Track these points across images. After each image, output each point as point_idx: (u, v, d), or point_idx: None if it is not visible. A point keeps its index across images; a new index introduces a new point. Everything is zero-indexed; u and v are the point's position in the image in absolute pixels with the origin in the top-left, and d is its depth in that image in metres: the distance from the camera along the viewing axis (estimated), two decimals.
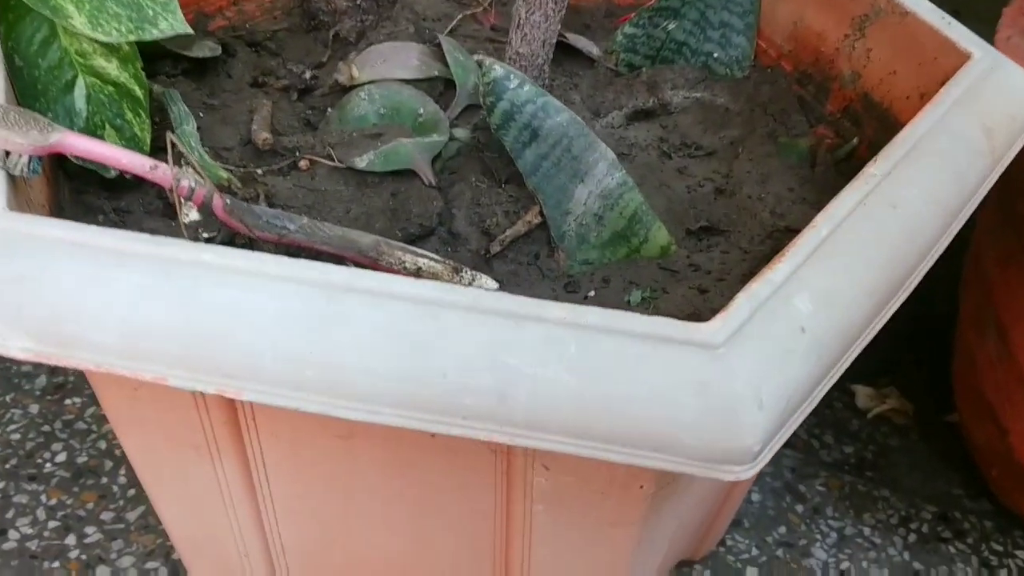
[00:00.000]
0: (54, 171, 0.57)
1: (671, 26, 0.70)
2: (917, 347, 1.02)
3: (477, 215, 0.58)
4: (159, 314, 0.39)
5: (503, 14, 0.76)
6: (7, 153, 0.44)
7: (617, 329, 0.38)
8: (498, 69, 0.54)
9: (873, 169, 0.46)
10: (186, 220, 0.51)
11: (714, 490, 0.62)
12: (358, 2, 0.74)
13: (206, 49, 0.68)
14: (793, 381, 0.38)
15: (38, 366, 1.02)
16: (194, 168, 0.48)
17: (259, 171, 0.59)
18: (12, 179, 0.45)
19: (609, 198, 0.57)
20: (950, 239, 0.48)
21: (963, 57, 0.54)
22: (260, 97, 0.66)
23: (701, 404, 0.37)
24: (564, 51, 0.72)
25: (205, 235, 0.50)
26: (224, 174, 0.55)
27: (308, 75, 0.69)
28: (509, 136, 0.56)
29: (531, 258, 0.57)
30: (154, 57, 0.66)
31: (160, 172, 0.46)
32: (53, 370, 1.01)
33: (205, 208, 0.47)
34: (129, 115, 0.54)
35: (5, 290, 0.40)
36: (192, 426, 0.50)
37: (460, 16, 0.73)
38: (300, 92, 0.68)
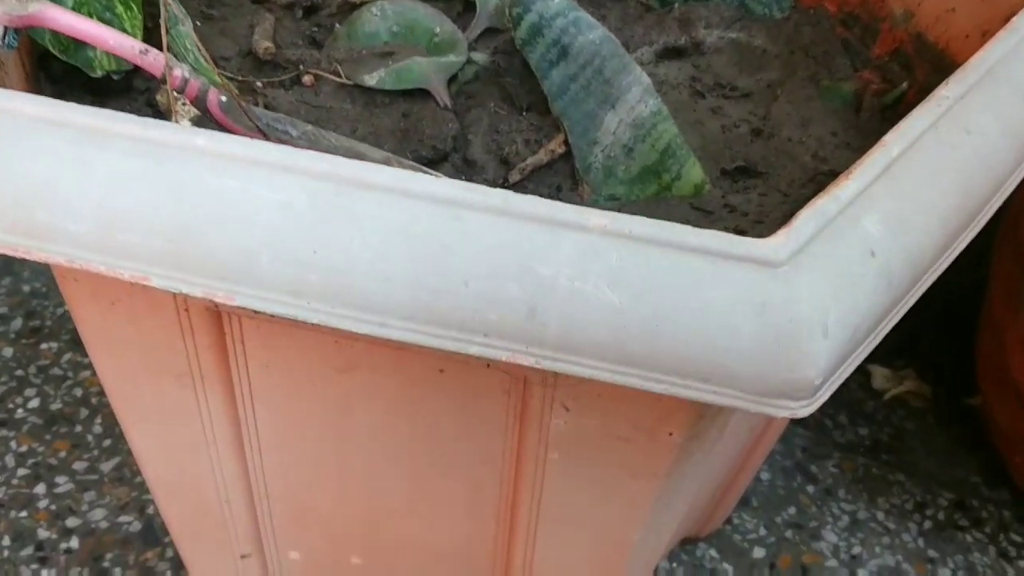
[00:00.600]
0: (35, 73, 0.52)
1: None
2: (938, 326, 0.98)
3: (495, 142, 0.53)
4: (143, 203, 0.34)
5: None
6: None
7: (666, 241, 0.33)
8: None
9: (945, 92, 0.41)
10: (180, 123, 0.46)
11: (739, 448, 0.57)
12: None
13: None
14: (861, 309, 0.34)
15: (14, 308, 0.97)
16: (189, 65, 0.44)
17: (259, 83, 0.54)
18: None
19: (641, 128, 0.52)
20: (1021, 176, 0.43)
21: None
22: (262, 12, 0.61)
23: (760, 328, 0.32)
24: None
25: None
26: (220, 80, 0.50)
27: None
28: (535, 54, 0.51)
29: (552, 191, 0.53)
30: None
31: (151, 58, 0.41)
32: (29, 313, 0.96)
33: (200, 103, 0.42)
34: (120, 8, 0.49)
35: None
36: (174, 349, 0.45)
37: None
38: (305, 10, 0.63)
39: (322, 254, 0.33)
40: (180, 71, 0.41)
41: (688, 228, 0.34)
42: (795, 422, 0.89)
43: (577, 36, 0.50)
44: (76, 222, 0.34)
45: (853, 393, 0.93)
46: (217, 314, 0.44)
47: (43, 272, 1.00)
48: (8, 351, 0.92)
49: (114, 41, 0.40)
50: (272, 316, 0.41)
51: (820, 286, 0.33)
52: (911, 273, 0.36)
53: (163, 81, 0.41)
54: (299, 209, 0.34)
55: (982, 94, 0.42)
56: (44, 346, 0.93)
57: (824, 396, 0.34)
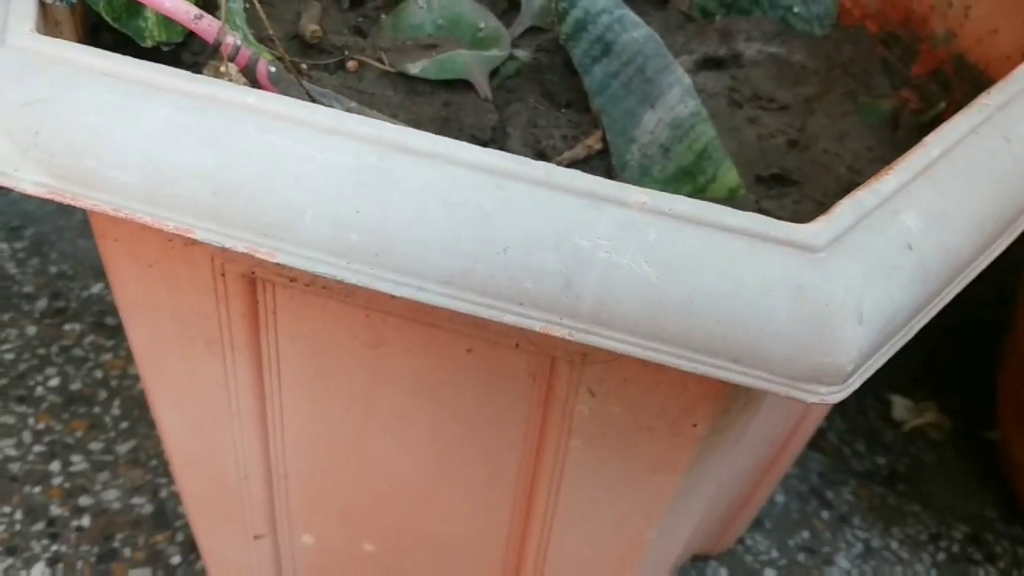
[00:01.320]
0: (86, 41, 0.53)
1: None
2: (960, 359, 0.97)
3: (533, 136, 0.54)
4: (190, 156, 0.35)
5: None
6: None
7: (705, 220, 0.34)
8: None
9: (987, 100, 0.42)
10: None
11: (757, 457, 0.57)
12: None
13: None
14: (896, 300, 0.34)
15: (40, 288, 0.97)
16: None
17: (304, 64, 0.55)
18: (44, 7, 0.41)
19: (679, 128, 0.52)
20: None
21: None
22: (309, 0, 0.62)
23: (795, 310, 0.32)
24: None
25: None
26: (269, 57, 0.51)
27: None
28: (579, 49, 0.51)
29: None
30: None
31: (205, 23, 0.42)
32: (55, 293, 0.97)
33: (249, 73, 0.43)
34: None
35: (22, 114, 0.35)
36: (207, 315, 0.46)
37: None
38: (352, 1, 0.64)
39: (364, 215, 0.34)
40: (233, 39, 0.42)
41: (728, 209, 0.34)
42: (812, 447, 0.89)
43: (621, 33, 0.51)
44: (124, 171, 0.35)
45: (872, 422, 0.92)
46: (252, 281, 0.44)
47: (70, 255, 1.01)
48: (32, 329, 0.93)
49: (170, 3, 0.40)
50: (307, 285, 0.42)
51: (857, 274, 0.33)
52: (947, 270, 0.36)
53: (216, 46, 0.42)
54: (343, 170, 0.34)
55: (1023, 105, 0.42)
56: (68, 327, 0.94)
57: (855, 384, 0.34)
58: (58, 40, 0.37)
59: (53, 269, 1.00)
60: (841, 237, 0.34)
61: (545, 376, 0.44)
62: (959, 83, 0.57)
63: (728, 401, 0.42)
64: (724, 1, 0.67)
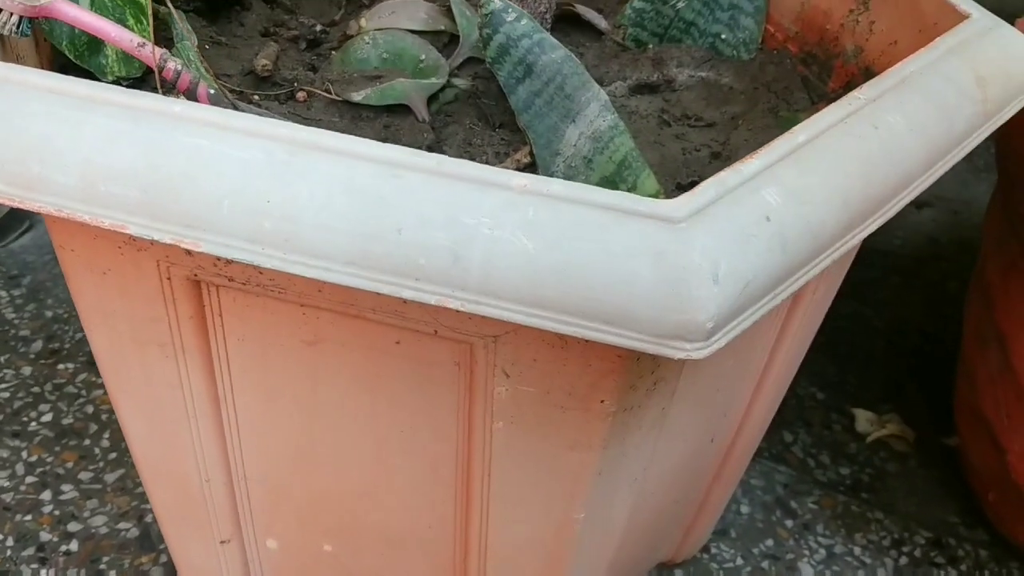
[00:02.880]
0: None
1: (680, 4, 0.70)
2: (922, 372, 1.00)
3: (467, 153, 0.58)
4: (123, 158, 0.39)
5: None
6: None
7: (579, 199, 0.38)
8: (496, 2, 0.55)
9: (858, 93, 0.46)
10: None
11: (691, 448, 0.60)
12: None
13: None
14: (753, 265, 0.37)
15: (36, 331, 1.02)
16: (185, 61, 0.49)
17: (255, 95, 0.59)
18: (3, 45, 0.46)
19: (600, 140, 0.56)
20: (935, 177, 0.47)
21: (961, 18, 0.54)
22: (268, 42, 0.67)
23: (656, 274, 0.36)
24: (572, 22, 0.72)
25: None
26: (216, 85, 0.56)
27: (319, 28, 0.70)
28: (503, 71, 0.56)
29: None
30: None
31: (147, 50, 0.46)
32: (50, 336, 1.01)
33: (191, 95, 0.47)
34: (131, 21, 0.55)
35: None
36: (158, 319, 0.50)
37: None
38: (309, 43, 0.69)
39: (274, 204, 0.38)
40: (174, 64, 0.47)
41: (599, 189, 0.38)
42: (777, 460, 0.91)
43: (541, 55, 0.55)
44: (65, 175, 0.39)
45: (836, 435, 0.95)
46: (197, 284, 0.48)
47: (65, 300, 1.06)
48: (27, 369, 0.98)
49: (115, 34, 0.45)
50: (244, 284, 0.46)
51: (713, 240, 0.37)
52: (809, 241, 0.40)
53: (158, 71, 0.46)
54: (257, 165, 0.38)
55: (894, 97, 0.46)
56: (61, 366, 0.98)
57: (720, 342, 0.37)
58: (10, 64, 0.42)
59: (49, 314, 1.04)
60: (701, 211, 0.38)
61: (467, 363, 0.47)
62: None
63: (632, 376, 0.45)
64: (656, 31, 0.71)
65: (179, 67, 0.47)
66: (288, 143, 0.39)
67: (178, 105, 0.40)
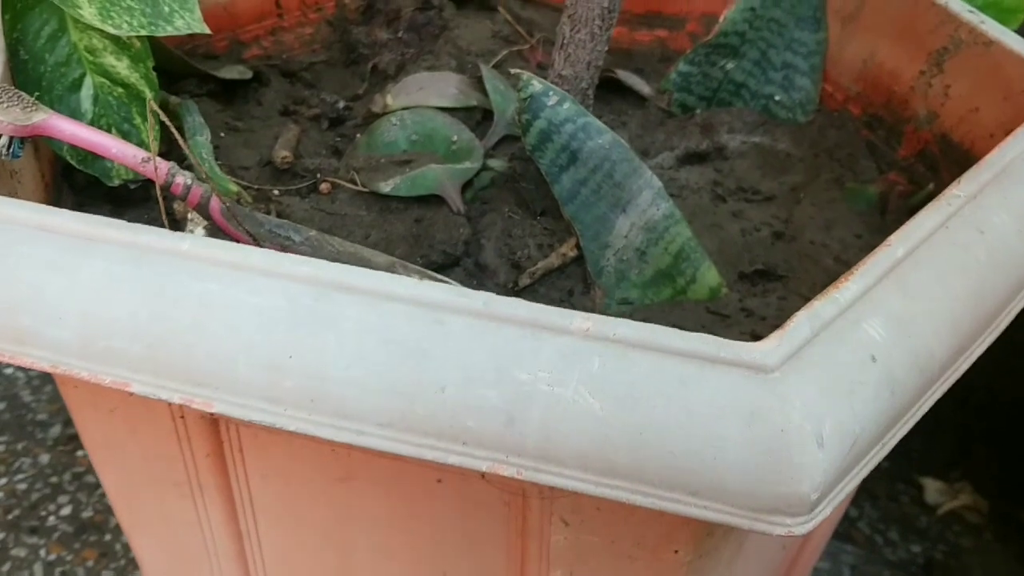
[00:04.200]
0: (57, 183, 0.53)
1: (729, 65, 0.65)
2: (991, 435, 0.93)
3: (507, 246, 0.53)
4: (125, 308, 0.34)
5: (550, 53, 0.72)
6: None
7: (652, 345, 0.32)
8: (536, 84, 0.50)
9: (956, 190, 0.40)
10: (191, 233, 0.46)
11: (768, 568, 0.54)
12: (399, 35, 0.70)
13: (235, 72, 0.64)
14: (861, 418, 0.32)
15: (53, 415, 0.98)
16: (196, 172, 0.44)
17: (275, 191, 0.54)
18: None
19: (653, 231, 0.51)
20: None
21: None
22: (288, 123, 0.63)
23: (749, 438, 0.31)
24: (613, 89, 0.67)
25: None
26: (234, 187, 0.51)
27: (341, 105, 0.65)
28: (545, 158, 0.51)
29: (564, 294, 0.52)
30: (179, 76, 0.62)
31: (152, 166, 0.41)
32: (68, 420, 0.97)
33: (202, 210, 0.43)
34: (138, 119, 0.50)
35: None
36: (172, 458, 0.45)
37: (505, 52, 0.69)
38: (331, 121, 0.64)
39: (297, 359, 0.33)
40: (183, 179, 0.42)
41: (674, 331, 0.32)
42: (843, 539, 0.85)
43: (586, 141, 0.50)
44: (60, 327, 0.34)
45: (905, 508, 0.88)
46: (214, 422, 0.43)
47: None
48: (45, 457, 0.93)
49: (116, 149, 0.40)
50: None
51: (814, 393, 0.31)
52: (919, 380, 0.34)
53: (164, 188, 0.42)
54: (277, 313, 0.33)
55: (997, 192, 0.40)
56: (80, 453, 0.94)
57: (825, 512, 0.32)
58: None
59: None
60: (796, 353, 0.32)
61: (519, 505, 0.42)
62: (946, 163, 0.56)
63: (710, 525, 0.40)
64: (704, 95, 0.66)
65: (189, 181, 0.42)
66: (312, 284, 0.34)
67: (186, 242, 0.35)
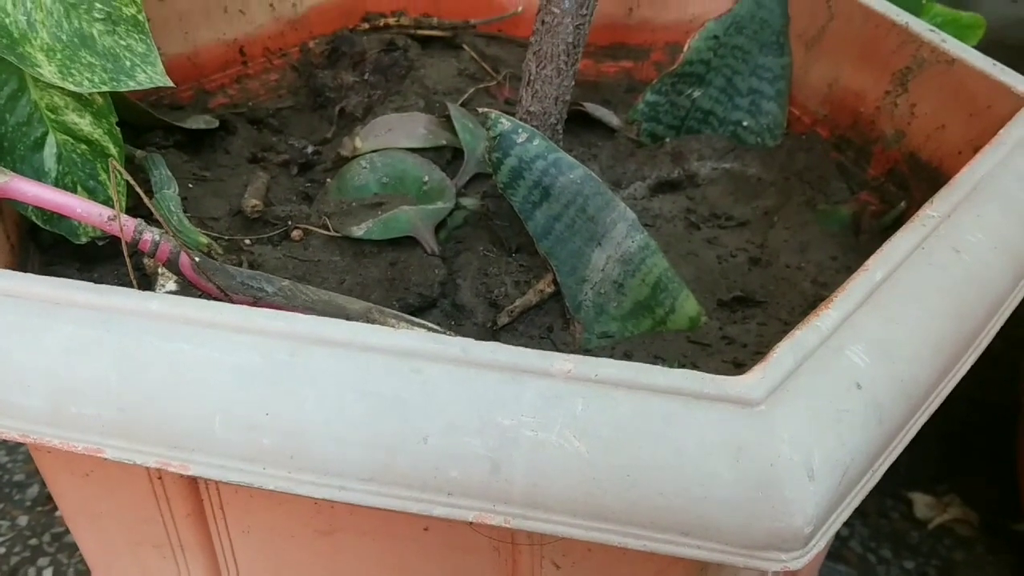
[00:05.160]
0: (24, 243, 0.52)
1: (696, 93, 0.65)
2: (977, 447, 0.93)
3: (484, 285, 0.52)
4: (95, 373, 0.33)
5: (518, 89, 0.72)
6: None
7: (635, 384, 0.32)
8: (505, 122, 0.50)
9: (930, 211, 0.40)
10: (162, 292, 0.45)
11: None
12: (366, 77, 0.70)
13: (202, 122, 0.64)
14: (850, 447, 0.31)
15: (31, 475, 0.96)
16: (166, 228, 0.43)
17: (246, 240, 0.54)
18: None
19: (630, 263, 0.51)
20: (1022, 294, 0.41)
21: (1017, 99, 0.48)
22: (257, 171, 0.62)
23: (739, 474, 0.30)
24: (582, 122, 0.67)
25: None
26: (204, 239, 0.50)
27: (310, 150, 0.65)
28: (518, 196, 0.50)
29: (544, 331, 0.51)
30: (144, 128, 0.62)
31: (118, 224, 0.41)
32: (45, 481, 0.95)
33: (172, 266, 0.42)
34: (103, 176, 0.50)
35: None
36: (151, 520, 0.44)
37: (472, 90, 0.69)
38: (300, 167, 0.64)
39: (274, 416, 0.32)
40: (151, 235, 0.41)
41: (657, 369, 0.32)
42: (835, 559, 0.85)
43: (558, 177, 0.50)
44: (27, 395, 0.34)
45: (895, 524, 0.88)
46: (193, 481, 0.42)
47: None
48: (23, 519, 0.91)
49: (81, 209, 0.40)
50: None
51: (801, 425, 0.31)
52: (905, 404, 0.34)
53: (132, 245, 0.41)
54: (252, 371, 0.33)
55: (970, 211, 0.40)
56: (59, 513, 0.92)
57: (820, 544, 0.31)
58: None
59: None
60: (781, 385, 0.32)
61: (509, 548, 0.41)
62: (916, 181, 0.56)
63: (703, 562, 0.39)
64: (672, 123, 0.66)
65: (157, 237, 0.41)
66: (287, 339, 0.33)
67: (155, 301, 0.34)
